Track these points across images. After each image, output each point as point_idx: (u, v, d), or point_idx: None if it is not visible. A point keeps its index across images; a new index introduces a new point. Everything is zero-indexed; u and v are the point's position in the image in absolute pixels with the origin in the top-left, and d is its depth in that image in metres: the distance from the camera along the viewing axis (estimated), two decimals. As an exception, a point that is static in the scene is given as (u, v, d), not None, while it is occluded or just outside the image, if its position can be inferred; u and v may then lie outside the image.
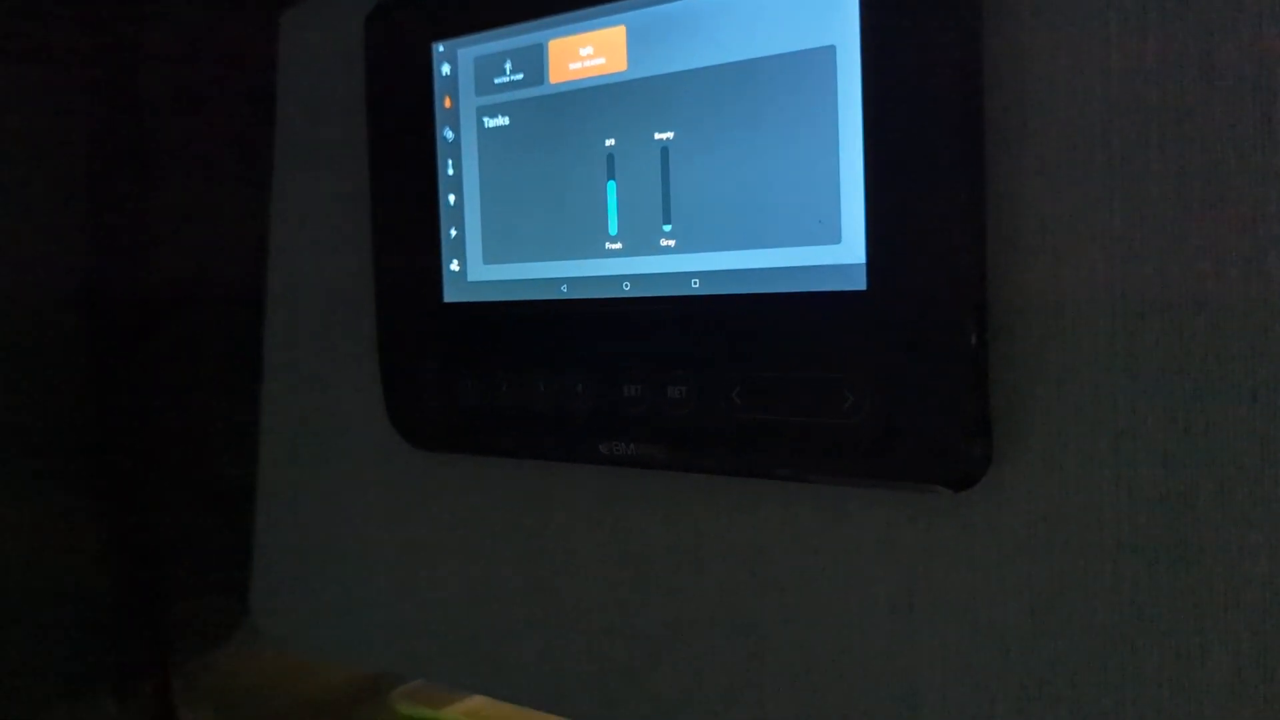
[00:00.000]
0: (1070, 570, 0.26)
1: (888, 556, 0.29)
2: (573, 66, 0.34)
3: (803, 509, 0.31)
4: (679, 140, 0.31)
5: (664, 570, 0.34)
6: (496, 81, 0.36)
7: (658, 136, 0.32)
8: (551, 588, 0.37)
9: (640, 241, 0.33)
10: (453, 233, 0.37)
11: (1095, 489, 0.26)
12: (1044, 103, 0.26)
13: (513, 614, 0.38)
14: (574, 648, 0.36)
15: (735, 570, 0.32)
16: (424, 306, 0.38)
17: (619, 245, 0.33)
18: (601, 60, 0.33)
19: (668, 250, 0.32)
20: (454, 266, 0.38)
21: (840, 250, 0.29)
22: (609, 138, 0.33)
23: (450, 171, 0.37)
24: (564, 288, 0.34)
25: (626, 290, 0.33)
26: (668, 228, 0.32)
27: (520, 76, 0.35)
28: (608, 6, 0.33)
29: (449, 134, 0.37)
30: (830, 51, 0.28)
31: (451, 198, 0.37)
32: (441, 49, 0.37)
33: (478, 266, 0.37)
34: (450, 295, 0.38)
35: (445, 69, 0.37)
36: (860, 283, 0.28)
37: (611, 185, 0.33)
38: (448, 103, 0.37)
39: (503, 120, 0.36)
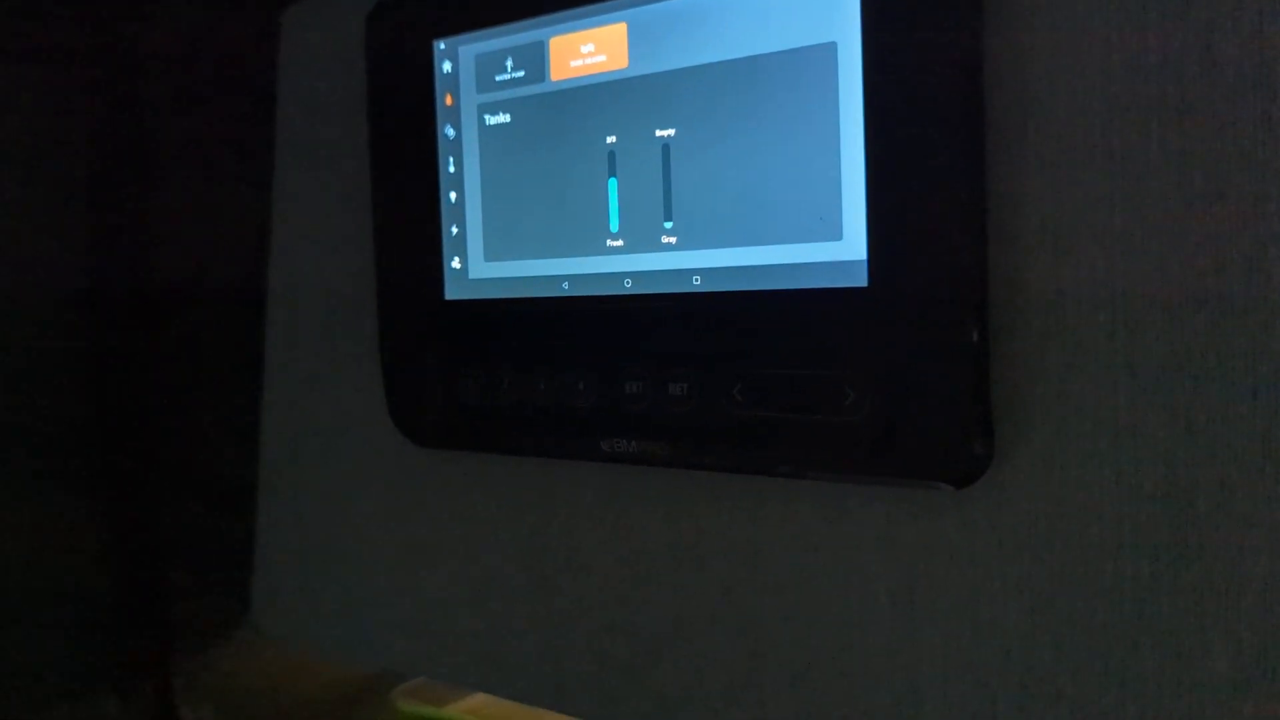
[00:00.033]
0: (1071, 568, 0.26)
1: (889, 554, 0.29)
2: (574, 64, 0.34)
3: (804, 506, 0.31)
4: (680, 137, 0.31)
5: (665, 567, 0.34)
6: (498, 79, 0.36)
7: (659, 133, 0.32)
8: (553, 585, 0.37)
9: (641, 239, 0.33)
10: (454, 230, 0.37)
11: (1096, 487, 0.26)
12: (1044, 100, 0.26)
13: (514, 611, 0.38)
14: (575, 645, 0.36)
15: (736, 567, 0.32)
16: (425, 304, 0.38)
17: (620, 242, 0.33)
18: (603, 57, 0.33)
19: (669, 247, 0.32)
20: (455, 264, 0.38)
21: (841, 247, 0.29)
22: (610, 135, 0.33)
23: (451, 169, 0.37)
24: (565, 285, 0.34)
25: (628, 287, 0.33)
26: (669, 225, 0.32)
27: (521, 74, 0.35)
28: (609, 4, 0.33)
29: (450, 131, 0.37)
30: (831, 48, 0.28)
31: (453, 195, 0.37)
32: (443, 46, 0.37)
33: (479, 264, 0.37)
34: (451, 293, 0.38)
35: (446, 66, 0.37)
36: (861, 280, 0.28)
37: (613, 182, 0.33)
38: (449, 100, 0.37)
39: (504, 118, 0.36)
